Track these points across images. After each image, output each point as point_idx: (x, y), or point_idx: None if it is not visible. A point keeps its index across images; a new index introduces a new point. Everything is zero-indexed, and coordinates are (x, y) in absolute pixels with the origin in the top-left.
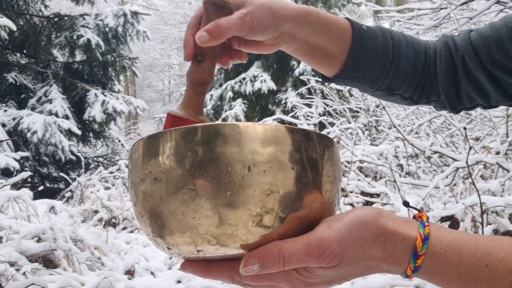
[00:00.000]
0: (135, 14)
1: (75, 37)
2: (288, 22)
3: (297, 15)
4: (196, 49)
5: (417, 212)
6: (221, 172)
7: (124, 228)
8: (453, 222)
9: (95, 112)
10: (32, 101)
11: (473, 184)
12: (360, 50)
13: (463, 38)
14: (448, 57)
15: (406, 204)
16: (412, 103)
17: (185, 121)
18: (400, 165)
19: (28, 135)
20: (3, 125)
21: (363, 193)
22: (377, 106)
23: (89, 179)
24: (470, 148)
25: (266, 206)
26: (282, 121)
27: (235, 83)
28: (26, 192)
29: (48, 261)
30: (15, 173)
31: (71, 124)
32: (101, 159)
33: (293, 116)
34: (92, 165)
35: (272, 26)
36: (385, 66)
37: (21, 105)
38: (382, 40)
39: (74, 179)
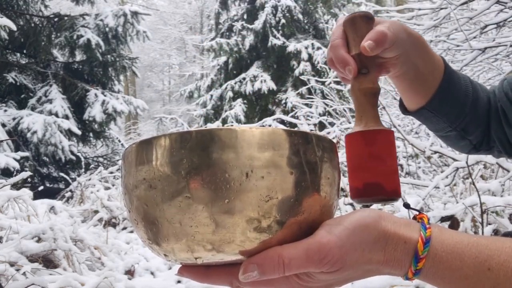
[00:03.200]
0: (135, 14)
1: (75, 37)
2: (409, 43)
3: (413, 37)
4: (358, 63)
5: (417, 213)
6: (218, 179)
7: (124, 228)
8: (453, 222)
9: (95, 112)
10: (32, 101)
11: (473, 184)
12: (449, 85)
13: (498, 87)
14: (495, 103)
15: (407, 206)
16: (474, 151)
17: (376, 132)
18: (400, 165)
19: (28, 135)
20: (3, 125)
21: None
22: (377, 106)
23: (89, 179)
24: None
25: (264, 212)
26: (282, 121)
27: (235, 83)
28: (26, 192)
29: (48, 261)
30: (15, 173)
31: (71, 124)
32: (101, 159)
33: (293, 116)
34: (92, 165)
35: (405, 40)
36: (466, 106)
37: (21, 105)
38: (464, 81)
39: (74, 179)
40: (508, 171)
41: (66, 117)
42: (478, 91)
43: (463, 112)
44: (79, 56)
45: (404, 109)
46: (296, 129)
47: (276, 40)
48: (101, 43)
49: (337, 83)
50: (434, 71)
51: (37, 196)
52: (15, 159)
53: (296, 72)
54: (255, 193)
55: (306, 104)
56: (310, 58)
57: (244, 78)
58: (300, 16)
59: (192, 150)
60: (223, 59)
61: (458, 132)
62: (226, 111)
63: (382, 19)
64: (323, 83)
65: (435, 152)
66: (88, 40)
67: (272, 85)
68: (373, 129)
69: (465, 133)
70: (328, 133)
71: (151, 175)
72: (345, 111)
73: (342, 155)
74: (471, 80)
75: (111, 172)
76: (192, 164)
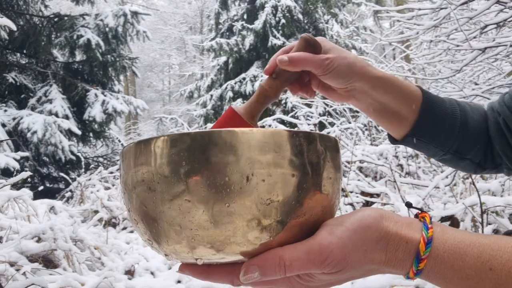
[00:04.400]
0: (135, 14)
1: (75, 37)
2: (362, 81)
3: (372, 77)
4: (276, 68)
5: (419, 212)
6: (218, 183)
7: (124, 228)
8: (453, 222)
9: (95, 112)
10: (32, 101)
11: (473, 184)
12: (430, 112)
13: (499, 101)
14: (494, 119)
15: (408, 205)
16: (480, 169)
17: (239, 118)
18: (400, 165)
19: (28, 135)
20: (3, 125)
21: (363, 193)
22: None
23: (89, 179)
24: None
25: (265, 215)
26: (282, 121)
27: (235, 83)
28: (26, 192)
29: (48, 261)
30: (15, 173)
31: (71, 124)
32: (101, 159)
33: (293, 116)
34: (92, 165)
35: (347, 77)
36: (454, 128)
37: (21, 105)
38: (449, 104)
39: (74, 179)
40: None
41: (66, 117)
42: (467, 111)
43: (452, 135)
44: (79, 56)
45: (392, 139)
46: (296, 129)
47: (276, 40)
48: (101, 43)
49: None
50: (408, 104)
51: (37, 196)
52: (15, 159)
53: None
54: (255, 196)
55: (306, 104)
56: None
57: (244, 78)
58: (300, 16)
59: (191, 153)
60: (223, 59)
61: (453, 154)
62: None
63: (339, 50)
64: None
65: None
66: (88, 40)
67: None
68: (239, 114)
69: (460, 153)
70: (328, 133)
71: (150, 177)
72: (345, 111)
73: (342, 155)
74: (458, 101)
75: (111, 172)
76: (191, 168)
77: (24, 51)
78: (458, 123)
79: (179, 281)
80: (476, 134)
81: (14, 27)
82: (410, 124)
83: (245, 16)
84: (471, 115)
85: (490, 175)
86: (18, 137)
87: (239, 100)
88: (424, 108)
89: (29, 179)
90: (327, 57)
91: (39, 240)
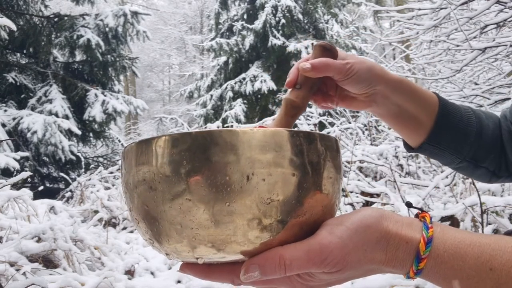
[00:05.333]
0: (135, 14)
1: (75, 37)
2: (382, 83)
3: (392, 79)
4: (297, 79)
5: (419, 212)
6: (219, 182)
7: (124, 228)
8: (453, 222)
9: (95, 112)
10: (32, 101)
11: (473, 184)
12: (446, 117)
13: (511, 110)
14: (507, 127)
15: (408, 205)
16: (495, 178)
17: None
18: (400, 165)
19: (28, 135)
20: (3, 125)
21: (363, 193)
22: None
23: (89, 179)
24: None
25: (266, 215)
26: None
27: (235, 83)
28: (26, 192)
29: (48, 261)
30: (15, 173)
31: (71, 124)
32: (101, 159)
33: None
34: (92, 165)
35: (367, 81)
36: (470, 134)
37: (21, 105)
38: (465, 111)
39: (74, 179)
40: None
41: (66, 117)
42: (482, 119)
43: (467, 142)
44: (79, 56)
45: (408, 147)
46: (296, 129)
47: (276, 40)
48: (101, 43)
49: None
50: (426, 109)
51: (37, 196)
52: (15, 159)
53: None
54: (256, 196)
55: None
56: None
57: (244, 78)
58: (300, 16)
59: (192, 153)
60: (223, 59)
61: (469, 162)
62: (226, 111)
63: (356, 57)
64: None
65: None
66: (88, 40)
67: (272, 85)
68: None
69: (476, 161)
70: (328, 133)
71: (151, 176)
72: (345, 111)
73: (342, 155)
74: (473, 109)
75: (111, 172)
76: (192, 167)
77: (24, 51)
78: (474, 130)
79: (179, 281)
80: (491, 141)
81: (14, 27)
82: (427, 130)
83: (245, 16)
84: (486, 123)
85: None
86: (18, 137)
87: (239, 100)
88: (440, 114)
89: (29, 179)
90: (347, 62)
91: (39, 240)
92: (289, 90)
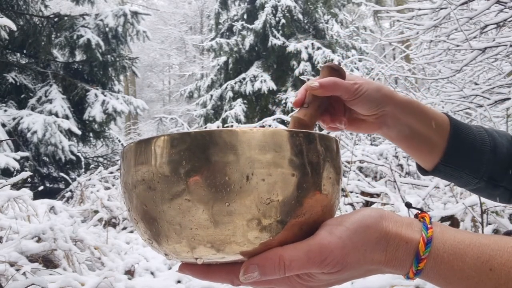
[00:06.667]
0: (135, 14)
1: (75, 37)
2: (391, 104)
3: (401, 100)
4: (305, 98)
5: (419, 212)
6: (218, 182)
7: (124, 228)
8: (453, 222)
9: (95, 112)
10: (32, 101)
11: None
12: (459, 137)
13: None
14: None
15: (408, 205)
16: None
17: None
18: (400, 165)
19: (28, 135)
20: (3, 125)
21: (363, 193)
22: None
23: (89, 179)
24: None
25: (265, 215)
26: (282, 121)
27: (235, 83)
28: (26, 192)
29: (48, 261)
30: (15, 173)
31: (71, 124)
32: (101, 159)
33: None
34: (92, 165)
35: (376, 101)
36: (484, 153)
37: (21, 105)
38: (476, 130)
39: (74, 179)
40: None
41: (66, 117)
42: (495, 137)
43: (483, 160)
44: (79, 56)
45: (423, 171)
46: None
47: (276, 40)
48: (101, 43)
49: None
50: (437, 129)
51: (37, 196)
52: (15, 159)
53: (296, 72)
54: (255, 196)
55: None
56: (310, 58)
57: (244, 78)
58: (300, 16)
59: (191, 152)
60: (223, 59)
61: (487, 182)
62: (226, 111)
63: (364, 78)
64: None
65: None
66: (88, 40)
67: (272, 85)
68: None
69: (494, 180)
70: (328, 133)
71: (150, 176)
72: None
73: (342, 155)
74: (485, 128)
75: (111, 172)
76: (191, 167)
77: (24, 51)
78: (488, 148)
79: (179, 281)
80: (507, 159)
81: (14, 27)
82: (440, 150)
83: (245, 16)
84: (499, 141)
85: None
86: (18, 137)
87: (239, 100)
88: (453, 134)
89: (29, 179)
90: (355, 82)
91: (39, 240)
92: (297, 109)
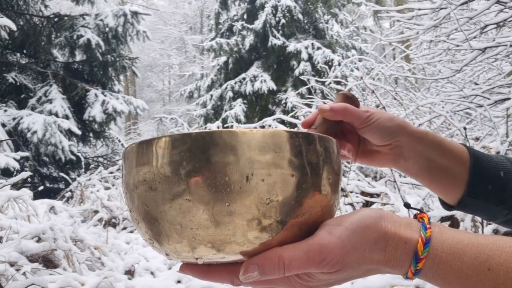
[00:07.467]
0: (135, 14)
1: (75, 37)
2: (406, 135)
3: (416, 131)
4: (315, 121)
5: (418, 212)
6: (218, 182)
7: (124, 228)
8: (453, 222)
9: (95, 112)
10: (32, 101)
11: None
12: (481, 166)
13: None
14: None
15: (407, 206)
16: None
17: None
18: None
19: (28, 135)
20: (3, 125)
21: (363, 193)
22: (377, 106)
23: (89, 179)
24: None
25: (265, 215)
26: (282, 121)
27: (235, 83)
28: (26, 192)
29: (48, 261)
30: (15, 173)
31: (71, 124)
32: (101, 159)
33: (293, 116)
34: (92, 165)
35: (389, 130)
36: (509, 181)
37: (21, 105)
38: (496, 158)
39: (74, 179)
40: None
41: (66, 117)
42: None
43: (509, 189)
44: (79, 56)
45: (447, 206)
46: (296, 129)
47: (276, 40)
48: (101, 43)
49: (337, 83)
50: (457, 159)
51: (37, 196)
52: (15, 159)
53: (296, 72)
54: (255, 196)
55: (306, 104)
56: (310, 58)
57: (244, 78)
58: (300, 16)
59: (192, 153)
60: (223, 59)
61: None
62: (226, 111)
63: (377, 109)
64: (323, 83)
65: None
66: (88, 40)
67: (272, 85)
68: None
69: None
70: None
71: (151, 177)
72: None
73: None
74: (505, 156)
75: (111, 172)
76: (192, 167)
77: (24, 51)
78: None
79: (179, 281)
80: None
81: (14, 27)
82: (463, 182)
83: (245, 16)
84: None
85: None
86: (18, 137)
87: (239, 100)
88: (474, 163)
89: (29, 179)
90: (367, 110)
91: (39, 240)
92: (305, 130)
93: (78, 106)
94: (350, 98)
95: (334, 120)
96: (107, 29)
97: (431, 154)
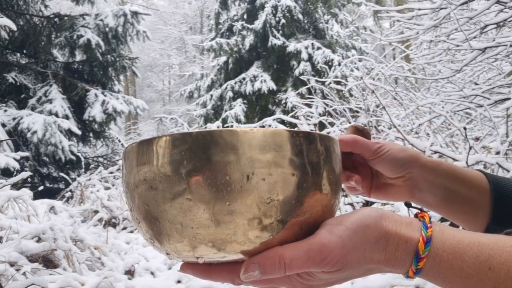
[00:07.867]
0: (135, 14)
1: (75, 37)
2: (418, 166)
3: (429, 161)
4: None
5: (419, 211)
6: (219, 181)
7: (124, 228)
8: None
9: (95, 112)
10: (32, 101)
11: None
12: (502, 191)
13: None
14: None
15: (408, 205)
16: None
17: None
18: None
19: (28, 135)
20: (3, 125)
21: None
22: (377, 106)
23: (89, 179)
24: (470, 148)
25: (266, 214)
26: (282, 121)
27: (235, 83)
28: (26, 192)
29: (48, 261)
30: (15, 173)
31: (71, 124)
32: (101, 159)
33: (293, 116)
34: (92, 165)
35: (401, 161)
36: None
37: (21, 105)
38: None
39: (74, 179)
40: (508, 171)
41: (66, 117)
42: None
43: None
44: (79, 56)
45: None
46: (296, 129)
47: (276, 40)
48: (101, 43)
49: (337, 83)
50: (476, 187)
51: (37, 196)
52: (15, 159)
53: (296, 72)
54: (256, 195)
55: (306, 104)
56: (310, 58)
57: (244, 78)
58: (300, 16)
59: (193, 152)
60: (223, 59)
61: None
62: (226, 111)
63: (388, 141)
64: (323, 83)
65: (435, 152)
66: (88, 40)
67: (272, 85)
68: None
69: None
70: (328, 133)
71: (152, 176)
72: (345, 111)
73: None
74: None
75: (111, 172)
76: (193, 166)
77: (24, 51)
78: None
79: (179, 281)
80: None
81: (14, 27)
82: (486, 210)
83: (245, 16)
84: None
85: None
86: (18, 137)
87: (239, 100)
88: (494, 189)
89: (29, 179)
90: (377, 142)
91: (39, 240)
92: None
93: (78, 106)
94: (360, 131)
95: (344, 152)
96: (107, 29)
97: (447, 184)
